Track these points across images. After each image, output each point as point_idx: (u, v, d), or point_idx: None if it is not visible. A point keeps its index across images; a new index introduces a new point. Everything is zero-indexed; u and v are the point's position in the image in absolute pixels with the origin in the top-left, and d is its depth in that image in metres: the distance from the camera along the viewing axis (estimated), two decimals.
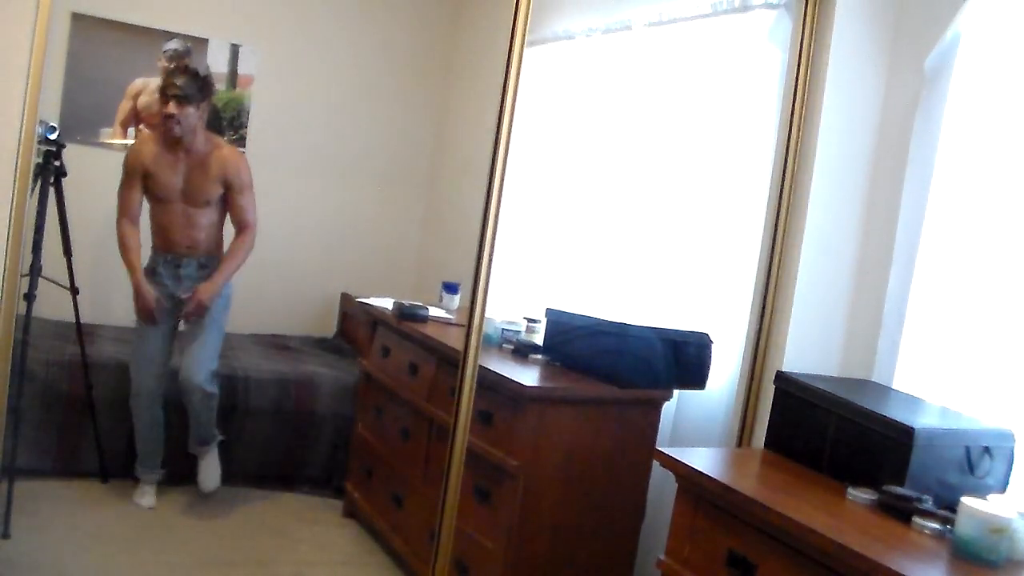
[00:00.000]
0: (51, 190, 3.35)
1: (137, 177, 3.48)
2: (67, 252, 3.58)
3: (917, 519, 1.84)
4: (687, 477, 2.09)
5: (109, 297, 4.46)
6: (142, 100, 4.53)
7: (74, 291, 3.60)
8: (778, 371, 2.47)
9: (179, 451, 3.70)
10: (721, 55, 3.05)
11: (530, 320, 3.23)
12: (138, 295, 3.49)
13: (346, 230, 5.06)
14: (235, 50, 4.66)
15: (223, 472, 3.71)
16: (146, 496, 3.60)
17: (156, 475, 3.65)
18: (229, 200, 3.56)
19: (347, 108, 5.00)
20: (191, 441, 3.67)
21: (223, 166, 3.50)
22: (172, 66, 3.51)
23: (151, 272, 3.57)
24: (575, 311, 3.02)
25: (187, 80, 3.35)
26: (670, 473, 2.16)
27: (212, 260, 3.60)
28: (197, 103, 3.37)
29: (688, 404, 3.01)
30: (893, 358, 2.54)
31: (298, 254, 4.97)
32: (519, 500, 2.65)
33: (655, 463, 2.33)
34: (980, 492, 1.89)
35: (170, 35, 4.53)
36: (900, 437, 2.00)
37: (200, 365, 3.52)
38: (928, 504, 1.88)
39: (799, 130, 2.68)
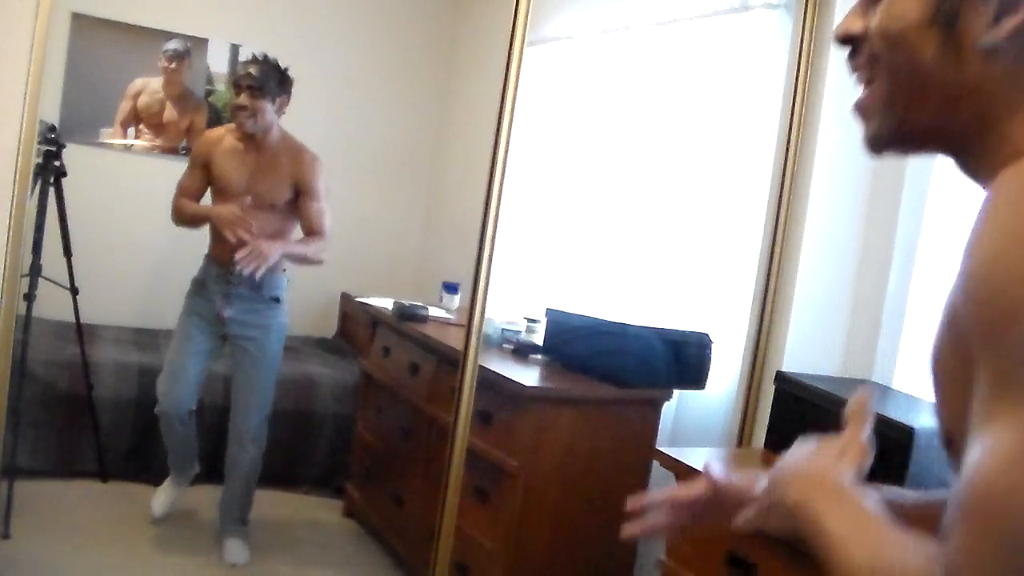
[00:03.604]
0: (51, 190, 3.35)
1: (199, 165, 3.24)
2: (67, 252, 3.58)
3: None
4: (687, 477, 2.09)
5: (109, 297, 4.46)
6: (142, 100, 4.53)
7: (74, 291, 3.60)
8: (778, 371, 2.47)
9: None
10: (721, 55, 3.05)
11: (530, 320, 3.23)
12: (218, 217, 3.11)
13: (346, 230, 5.04)
14: (235, 50, 4.66)
15: (224, 473, 3.71)
16: (161, 501, 3.41)
17: (189, 475, 3.46)
18: (301, 206, 3.21)
19: (347, 108, 4.99)
20: (222, 513, 3.33)
21: (296, 166, 3.18)
22: (250, 57, 3.16)
23: (199, 284, 3.25)
24: (575, 311, 3.02)
25: (264, 70, 3.08)
26: (670, 473, 2.16)
27: (272, 280, 3.19)
28: (274, 96, 3.10)
29: (688, 404, 3.01)
30: (893, 358, 2.54)
31: None
32: (519, 500, 2.65)
33: (655, 463, 2.33)
34: None
35: (170, 35, 4.53)
36: (900, 437, 2.00)
37: (252, 415, 3.24)
38: None
39: (799, 130, 2.68)
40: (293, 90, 3.04)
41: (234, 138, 3.21)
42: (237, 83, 3.11)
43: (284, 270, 3.29)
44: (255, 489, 3.36)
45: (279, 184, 3.18)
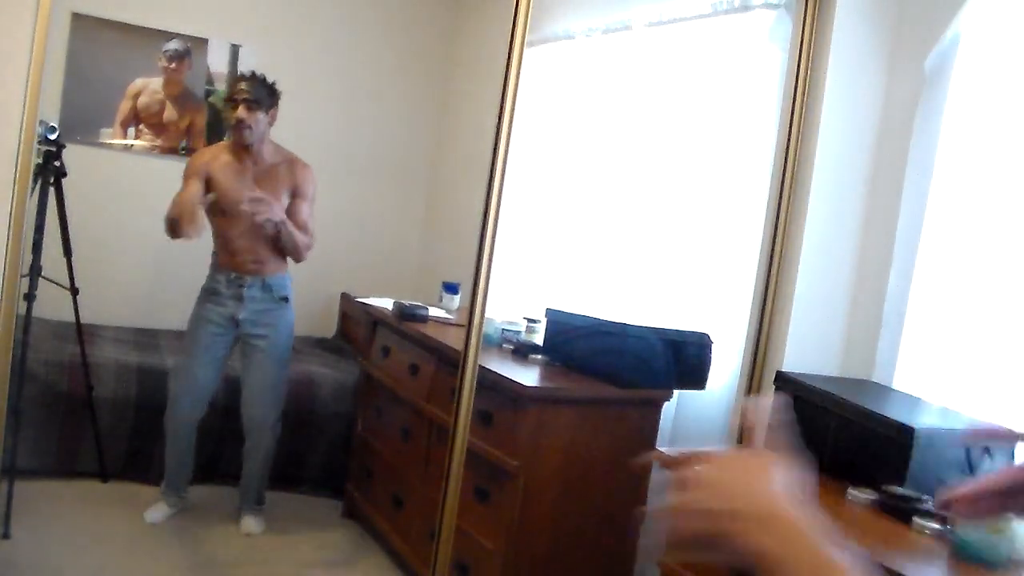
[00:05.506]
0: (51, 190, 3.35)
1: (199, 177, 3.29)
2: (67, 252, 3.58)
3: (917, 519, 1.84)
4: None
5: (109, 297, 4.46)
6: (142, 100, 4.53)
7: (74, 291, 3.60)
8: (778, 371, 2.47)
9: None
10: (721, 55, 3.05)
11: (530, 320, 3.23)
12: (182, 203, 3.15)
13: (346, 230, 5.06)
14: (235, 50, 4.66)
15: (222, 472, 3.72)
16: (157, 511, 3.48)
17: (178, 499, 3.55)
18: (292, 207, 3.34)
19: (347, 108, 4.99)
20: (242, 492, 3.58)
21: (293, 173, 3.37)
22: (239, 73, 3.37)
23: (211, 292, 3.40)
24: (575, 311, 3.02)
25: (255, 85, 3.27)
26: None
27: (278, 281, 3.42)
28: (266, 108, 3.29)
29: (688, 404, 3.01)
30: (893, 358, 2.54)
31: None
32: (519, 500, 2.65)
33: (655, 463, 2.33)
34: None
35: (170, 35, 4.53)
36: (900, 437, 2.00)
37: (268, 408, 3.45)
38: (928, 504, 1.88)
39: (799, 130, 2.68)
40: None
41: (228, 155, 3.37)
42: (233, 99, 3.29)
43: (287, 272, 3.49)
44: (268, 473, 3.62)
45: (279, 191, 3.35)
